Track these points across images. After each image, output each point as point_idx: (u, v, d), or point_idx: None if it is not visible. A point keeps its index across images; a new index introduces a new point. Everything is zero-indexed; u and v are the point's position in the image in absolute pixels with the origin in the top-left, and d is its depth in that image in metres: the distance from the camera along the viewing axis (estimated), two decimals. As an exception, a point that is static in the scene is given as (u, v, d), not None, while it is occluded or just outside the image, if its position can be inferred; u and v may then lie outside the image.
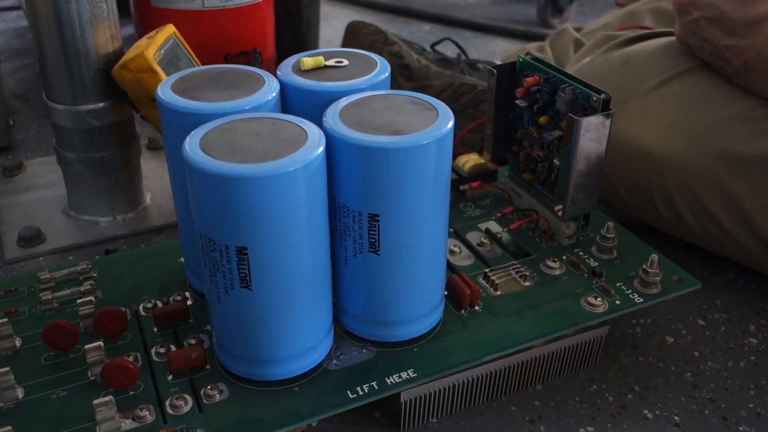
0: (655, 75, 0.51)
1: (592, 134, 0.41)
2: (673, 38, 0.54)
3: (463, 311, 0.40)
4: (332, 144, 0.32)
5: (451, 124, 0.33)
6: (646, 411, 0.41)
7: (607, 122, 0.42)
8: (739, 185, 0.46)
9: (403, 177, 0.32)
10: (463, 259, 0.44)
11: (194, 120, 0.33)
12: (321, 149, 0.31)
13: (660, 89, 0.51)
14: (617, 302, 0.41)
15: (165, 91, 0.35)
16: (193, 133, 0.32)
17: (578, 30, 0.78)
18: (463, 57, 0.75)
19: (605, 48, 0.57)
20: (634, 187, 0.51)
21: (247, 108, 0.34)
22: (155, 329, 0.38)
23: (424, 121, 0.33)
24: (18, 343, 0.37)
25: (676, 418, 0.41)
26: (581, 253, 0.45)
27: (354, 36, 0.76)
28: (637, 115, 0.50)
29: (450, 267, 0.43)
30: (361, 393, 0.35)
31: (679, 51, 0.52)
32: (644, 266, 0.42)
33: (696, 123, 0.49)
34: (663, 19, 0.71)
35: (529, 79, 0.45)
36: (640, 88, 0.51)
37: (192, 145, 0.31)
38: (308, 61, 0.38)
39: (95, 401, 0.32)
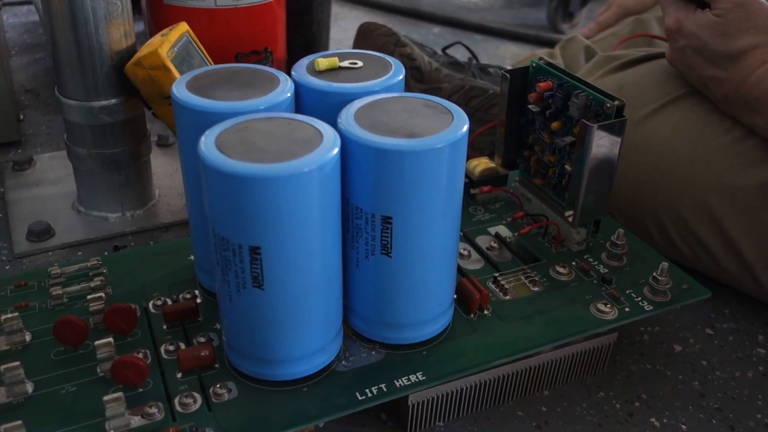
0: (647, 103, 0.52)
1: (605, 141, 0.41)
2: (663, 61, 0.54)
3: (472, 315, 0.40)
4: (347, 145, 0.32)
5: (465, 128, 0.33)
6: (653, 419, 0.41)
7: (621, 129, 0.41)
8: (727, 215, 0.47)
9: (417, 180, 0.32)
10: (473, 262, 0.44)
11: (209, 119, 0.33)
12: (336, 150, 0.31)
13: (652, 118, 0.51)
14: (627, 309, 0.41)
15: (180, 90, 0.35)
16: (208, 131, 0.32)
17: (587, 37, 0.78)
18: (474, 61, 0.75)
19: (601, 72, 0.58)
20: (628, 213, 0.52)
21: (261, 108, 0.35)
22: (165, 327, 0.38)
23: (438, 125, 0.33)
24: (28, 337, 0.37)
25: (684, 426, 0.41)
26: (591, 260, 0.45)
27: (366, 37, 0.76)
28: (630, 143, 0.51)
29: (459, 271, 0.43)
30: (369, 395, 0.35)
31: (669, 77, 0.53)
32: (654, 274, 0.42)
33: (687, 152, 0.49)
34: None
35: (542, 84, 0.45)
36: (632, 116, 0.51)
37: (207, 143, 0.31)
38: (323, 61, 0.38)
39: (105, 397, 0.32)
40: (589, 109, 0.43)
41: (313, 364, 0.35)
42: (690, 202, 0.48)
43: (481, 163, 0.51)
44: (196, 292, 0.41)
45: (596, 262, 0.45)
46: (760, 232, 0.46)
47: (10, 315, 0.37)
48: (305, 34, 0.82)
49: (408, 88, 0.69)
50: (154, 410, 0.33)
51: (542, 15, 1.20)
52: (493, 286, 0.42)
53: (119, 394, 0.32)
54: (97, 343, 0.35)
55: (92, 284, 0.41)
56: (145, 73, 0.48)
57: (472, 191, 0.50)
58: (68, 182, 0.58)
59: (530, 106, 0.47)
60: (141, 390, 0.34)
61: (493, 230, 0.47)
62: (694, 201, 0.48)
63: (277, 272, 0.31)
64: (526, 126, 0.48)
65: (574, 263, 0.44)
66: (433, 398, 0.38)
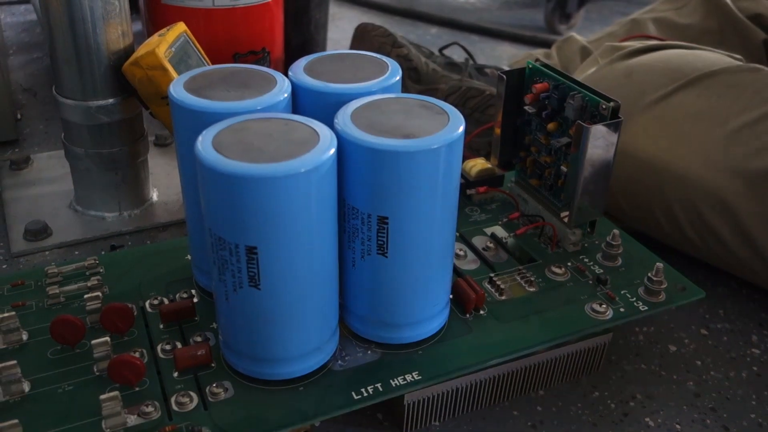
0: (657, 89, 0.51)
1: (601, 142, 0.42)
2: (675, 51, 0.54)
3: (468, 315, 0.40)
4: (343, 146, 0.32)
5: (461, 128, 0.33)
6: (647, 419, 0.41)
7: (616, 130, 0.42)
8: (739, 200, 0.47)
9: (413, 180, 0.32)
10: (469, 263, 0.44)
11: (206, 119, 0.33)
12: (332, 151, 0.31)
13: (662, 103, 0.51)
14: (621, 309, 0.41)
15: (177, 90, 0.36)
16: (205, 132, 0.32)
17: None
18: (470, 62, 0.75)
19: (609, 60, 0.57)
20: (635, 199, 0.51)
21: (258, 108, 0.35)
22: (161, 326, 0.38)
23: (435, 125, 0.33)
24: (25, 336, 0.37)
25: (678, 426, 0.41)
26: (586, 260, 0.45)
27: (363, 38, 0.76)
28: (639, 128, 0.50)
29: (455, 271, 0.43)
30: (365, 394, 0.35)
31: (680, 63, 0.53)
32: (649, 274, 0.42)
33: (697, 137, 0.49)
34: (666, 30, 0.71)
35: (539, 86, 0.46)
36: (642, 101, 0.51)
37: (204, 144, 0.31)
38: None
39: (101, 396, 0.32)
40: (584, 111, 0.43)
41: (309, 363, 0.35)
42: (701, 187, 0.48)
43: (478, 164, 0.51)
44: (193, 291, 0.41)
45: (591, 263, 0.45)
46: None
47: (6, 314, 0.37)
48: (303, 35, 0.82)
49: (405, 89, 0.70)
50: (150, 409, 0.33)
51: (539, 16, 1.20)
52: (488, 286, 0.42)
53: (116, 393, 0.32)
54: (93, 342, 0.35)
55: (89, 283, 0.41)
56: (143, 73, 0.48)
57: (468, 192, 0.50)
58: (65, 181, 0.58)
59: (526, 107, 0.47)
60: (137, 389, 0.34)
61: (489, 231, 0.48)
62: (705, 186, 0.48)
63: (273, 272, 0.31)
64: (522, 127, 0.49)
65: (569, 264, 0.45)
66: (428, 398, 0.38)
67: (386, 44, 0.73)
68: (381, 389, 0.35)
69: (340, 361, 0.37)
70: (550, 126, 0.45)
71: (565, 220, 0.45)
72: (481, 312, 0.40)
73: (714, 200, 0.48)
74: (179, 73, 0.48)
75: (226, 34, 0.65)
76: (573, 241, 0.46)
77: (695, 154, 0.48)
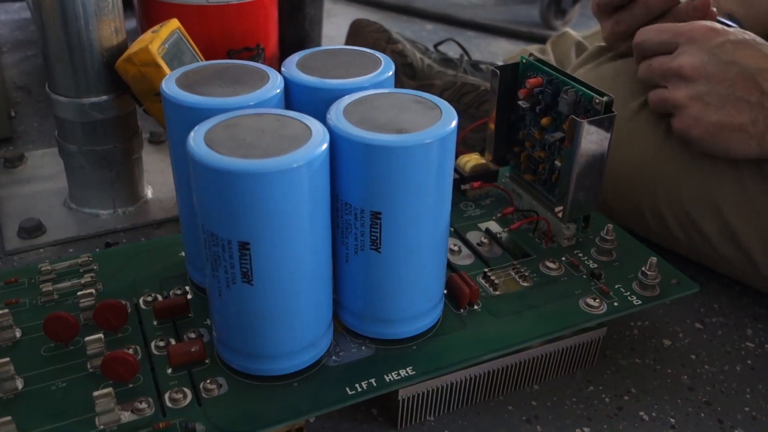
0: (645, 90, 0.51)
1: (594, 136, 0.42)
2: None
3: (462, 310, 0.40)
4: (336, 141, 0.32)
5: (454, 123, 0.33)
6: (642, 413, 0.41)
7: (609, 125, 0.42)
8: (726, 199, 0.47)
9: (406, 175, 0.32)
10: (463, 258, 0.44)
11: (198, 115, 0.33)
12: (325, 146, 0.31)
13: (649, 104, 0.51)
14: (615, 304, 0.41)
15: (169, 86, 0.35)
16: (197, 127, 0.32)
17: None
18: (465, 57, 0.75)
19: (598, 61, 0.58)
20: (623, 197, 0.52)
21: (251, 104, 0.35)
22: (155, 323, 0.38)
23: (427, 120, 0.33)
24: (18, 334, 0.37)
25: (672, 420, 0.41)
26: (580, 255, 0.45)
27: (358, 34, 0.76)
28: (628, 129, 0.50)
29: (450, 266, 0.43)
30: (359, 390, 0.35)
31: None
32: (643, 269, 0.42)
33: None
34: None
35: (532, 81, 0.46)
36: (630, 103, 0.51)
37: (196, 139, 0.31)
38: None
39: (95, 393, 0.32)
40: (578, 105, 0.43)
41: (303, 359, 0.35)
42: (689, 185, 0.48)
43: (472, 159, 0.51)
44: (187, 288, 0.41)
45: (586, 257, 0.45)
46: (759, 217, 0.46)
47: None
48: (298, 31, 0.82)
49: (400, 85, 0.70)
50: (144, 406, 0.33)
51: (535, 12, 1.20)
52: (483, 281, 0.42)
53: (109, 389, 0.32)
54: (87, 339, 0.35)
55: (83, 281, 0.41)
56: (136, 70, 0.48)
57: (462, 187, 0.50)
58: (60, 179, 0.58)
59: (520, 102, 0.47)
60: (131, 385, 0.34)
61: (483, 226, 0.48)
62: (693, 185, 0.48)
63: (266, 268, 0.31)
64: (516, 122, 0.49)
65: (563, 258, 0.45)
66: (423, 393, 0.38)
67: (381, 40, 0.73)
68: (375, 384, 0.35)
69: (334, 357, 0.37)
70: (544, 121, 0.45)
71: (560, 215, 0.45)
72: (476, 307, 0.40)
73: (699, 199, 0.48)
74: (172, 69, 0.48)
75: (220, 31, 0.65)
76: (567, 235, 0.46)
77: (682, 154, 0.48)
